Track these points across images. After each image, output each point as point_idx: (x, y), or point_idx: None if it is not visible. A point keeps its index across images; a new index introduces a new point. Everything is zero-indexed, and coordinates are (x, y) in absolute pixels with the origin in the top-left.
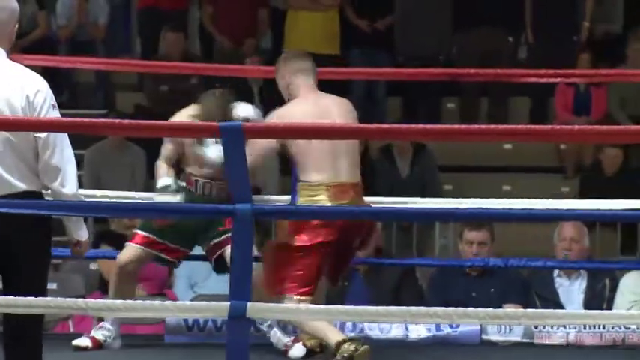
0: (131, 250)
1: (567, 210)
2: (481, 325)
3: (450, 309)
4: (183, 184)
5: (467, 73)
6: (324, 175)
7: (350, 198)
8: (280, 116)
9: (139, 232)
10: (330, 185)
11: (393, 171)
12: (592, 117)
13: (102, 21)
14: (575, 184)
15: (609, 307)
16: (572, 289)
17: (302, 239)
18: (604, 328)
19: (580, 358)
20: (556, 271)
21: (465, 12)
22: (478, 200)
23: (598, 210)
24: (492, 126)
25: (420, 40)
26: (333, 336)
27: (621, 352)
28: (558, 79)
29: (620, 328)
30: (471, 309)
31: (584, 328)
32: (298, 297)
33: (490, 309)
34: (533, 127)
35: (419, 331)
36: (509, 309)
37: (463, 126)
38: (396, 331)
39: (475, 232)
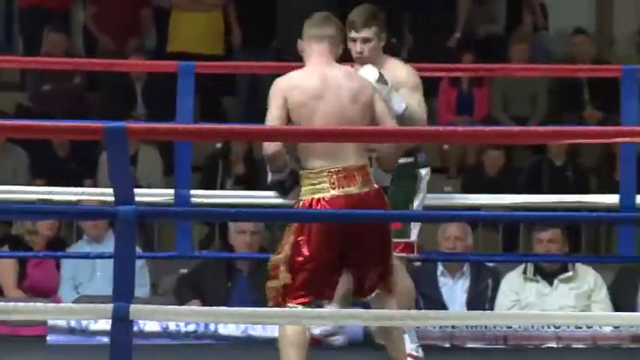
0: None
1: (450, 212)
2: (365, 327)
3: (335, 310)
4: None
5: None
6: (328, 161)
7: (356, 184)
8: (280, 88)
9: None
10: (333, 171)
11: None
12: (475, 117)
13: None
14: (458, 184)
15: (491, 307)
16: (455, 289)
17: (300, 245)
18: (486, 327)
19: (466, 358)
20: (439, 271)
21: (347, 13)
22: None
23: (480, 211)
24: (372, 127)
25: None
26: None
27: (502, 352)
28: (442, 74)
29: (502, 328)
30: (356, 310)
31: (467, 328)
32: (294, 305)
33: (374, 310)
34: (415, 128)
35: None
36: (394, 310)
37: (348, 127)
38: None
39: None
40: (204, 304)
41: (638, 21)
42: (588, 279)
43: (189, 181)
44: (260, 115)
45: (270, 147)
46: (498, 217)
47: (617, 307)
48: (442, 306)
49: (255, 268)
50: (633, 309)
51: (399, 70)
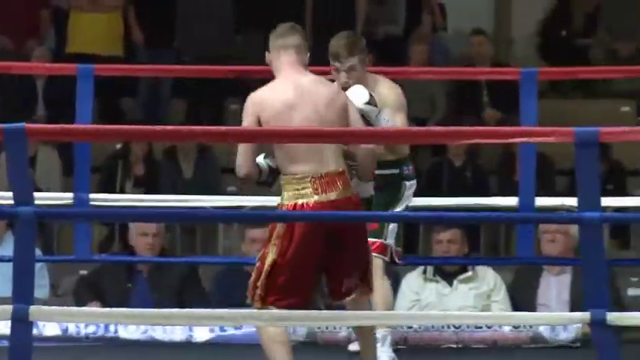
0: None
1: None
2: None
3: (235, 311)
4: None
5: (253, 71)
6: (310, 166)
7: (337, 189)
8: (254, 102)
9: None
10: (316, 176)
11: (177, 172)
12: None
13: None
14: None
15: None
16: None
17: (283, 246)
18: None
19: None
20: None
21: (247, 13)
22: (259, 198)
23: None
24: (279, 128)
25: (203, 39)
26: None
27: (403, 352)
28: None
29: (402, 328)
30: (255, 310)
31: None
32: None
33: (273, 310)
34: (320, 129)
35: (203, 333)
36: (293, 311)
37: (243, 127)
38: (180, 333)
39: (257, 230)
40: (104, 306)
41: (537, 22)
42: (488, 279)
43: (88, 183)
44: (159, 115)
45: (240, 171)
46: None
47: (517, 306)
48: (343, 307)
49: (156, 269)
50: (532, 309)
51: (383, 89)
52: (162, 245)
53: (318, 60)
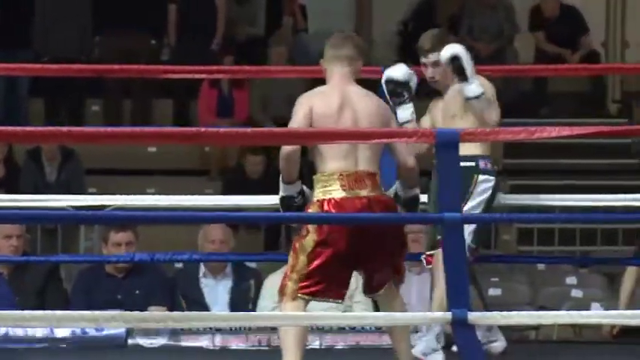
0: None
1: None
2: (127, 328)
3: (97, 312)
4: None
5: (112, 70)
6: (339, 164)
7: (366, 188)
8: (308, 98)
9: None
10: (344, 174)
11: (41, 175)
12: (235, 119)
13: None
14: (219, 186)
15: (254, 308)
16: (218, 289)
17: (318, 244)
18: (249, 329)
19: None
20: (202, 272)
21: (106, 13)
22: (124, 197)
23: (243, 212)
24: (138, 129)
25: (62, 40)
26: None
27: (266, 353)
28: (203, 76)
29: (265, 329)
30: (116, 312)
31: (231, 329)
32: (302, 296)
33: (136, 312)
34: (177, 129)
35: (64, 334)
36: (155, 312)
37: (109, 129)
38: (41, 334)
39: (122, 234)
40: None
41: (397, 22)
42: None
43: None
44: (18, 115)
45: (285, 148)
46: (260, 218)
47: (378, 307)
48: (205, 307)
49: (18, 270)
50: None
51: (483, 82)
52: (24, 247)
53: (180, 59)
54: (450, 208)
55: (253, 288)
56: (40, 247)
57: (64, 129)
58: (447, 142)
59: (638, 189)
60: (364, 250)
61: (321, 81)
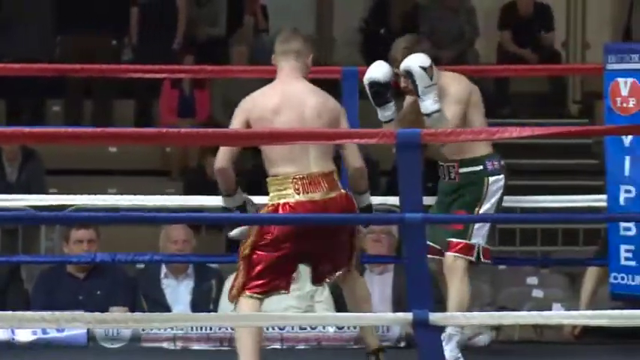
0: None
1: (175, 213)
2: (88, 329)
3: (58, 313)
4: None
5: (73, 69)
6: (292, 167)
7: (322, 190)
8: (244, 106)
9: None
10: (297, 177)
11: (1, 175)
12: (197, 119)
13: None
14: (180, 187)
15: (216, 308)
16: (179, 290)
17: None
18: (211, 329)
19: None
20: (163, 272)
21: (67, 14)
22: (85, 197)
23: (204, 213)
24: (99, 129)
25: (23, 40)
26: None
27: (227, 353)
28: (165, 75)
29: (226, 329)
30: (78, 313)
31: (192, 329)
32: (250, 295)
33: (97, 313)
34: (138, 130)
35: (25, 334)
36: (117, 313)
37: (70, 129)
38: (1, 334)
39: (83, 231)
40: None
41: (359, 19)
42: None
43: None
44: None
45: (217, 162)
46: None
47: (340, 307)
48: (166, 308)
49: None
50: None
51: (445, 79)
52: None
53: (141, 59)
54: (411, 208)
55: (215, 288)
56: (1, 248)
57: (25, 129)
58: (407, 143)
59: (599, 189)
60: (312, 250)
61: None
